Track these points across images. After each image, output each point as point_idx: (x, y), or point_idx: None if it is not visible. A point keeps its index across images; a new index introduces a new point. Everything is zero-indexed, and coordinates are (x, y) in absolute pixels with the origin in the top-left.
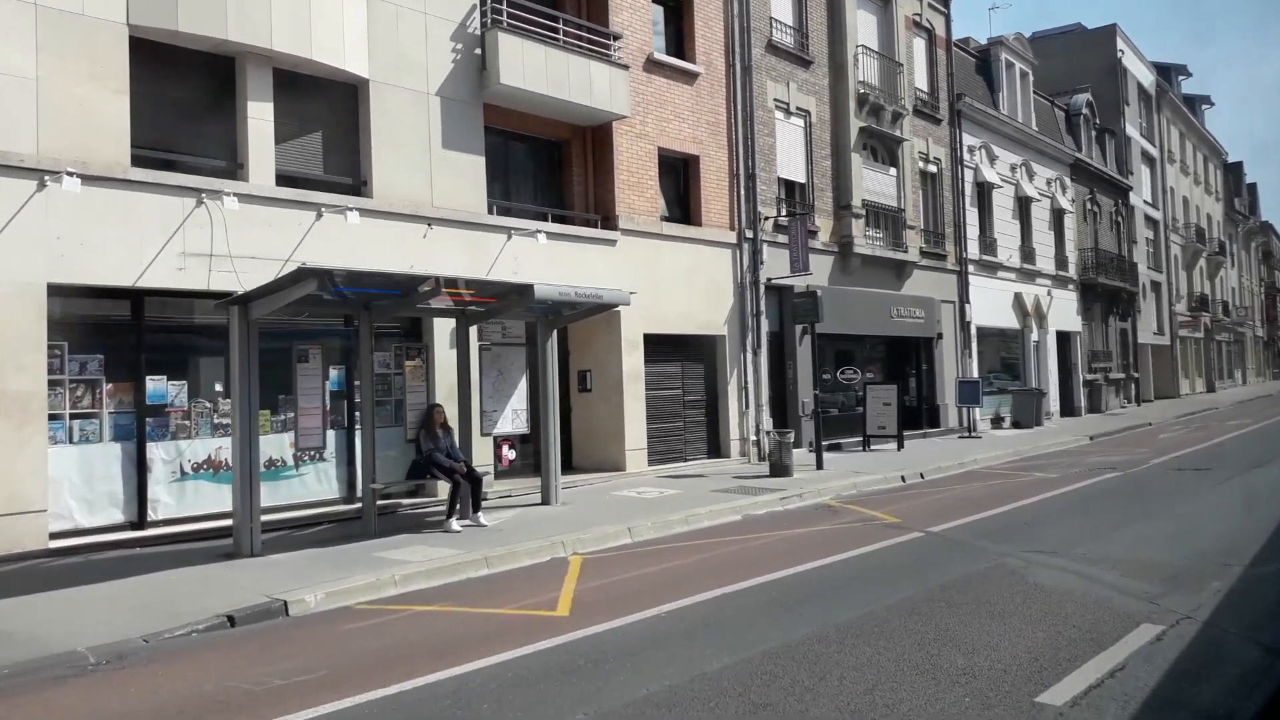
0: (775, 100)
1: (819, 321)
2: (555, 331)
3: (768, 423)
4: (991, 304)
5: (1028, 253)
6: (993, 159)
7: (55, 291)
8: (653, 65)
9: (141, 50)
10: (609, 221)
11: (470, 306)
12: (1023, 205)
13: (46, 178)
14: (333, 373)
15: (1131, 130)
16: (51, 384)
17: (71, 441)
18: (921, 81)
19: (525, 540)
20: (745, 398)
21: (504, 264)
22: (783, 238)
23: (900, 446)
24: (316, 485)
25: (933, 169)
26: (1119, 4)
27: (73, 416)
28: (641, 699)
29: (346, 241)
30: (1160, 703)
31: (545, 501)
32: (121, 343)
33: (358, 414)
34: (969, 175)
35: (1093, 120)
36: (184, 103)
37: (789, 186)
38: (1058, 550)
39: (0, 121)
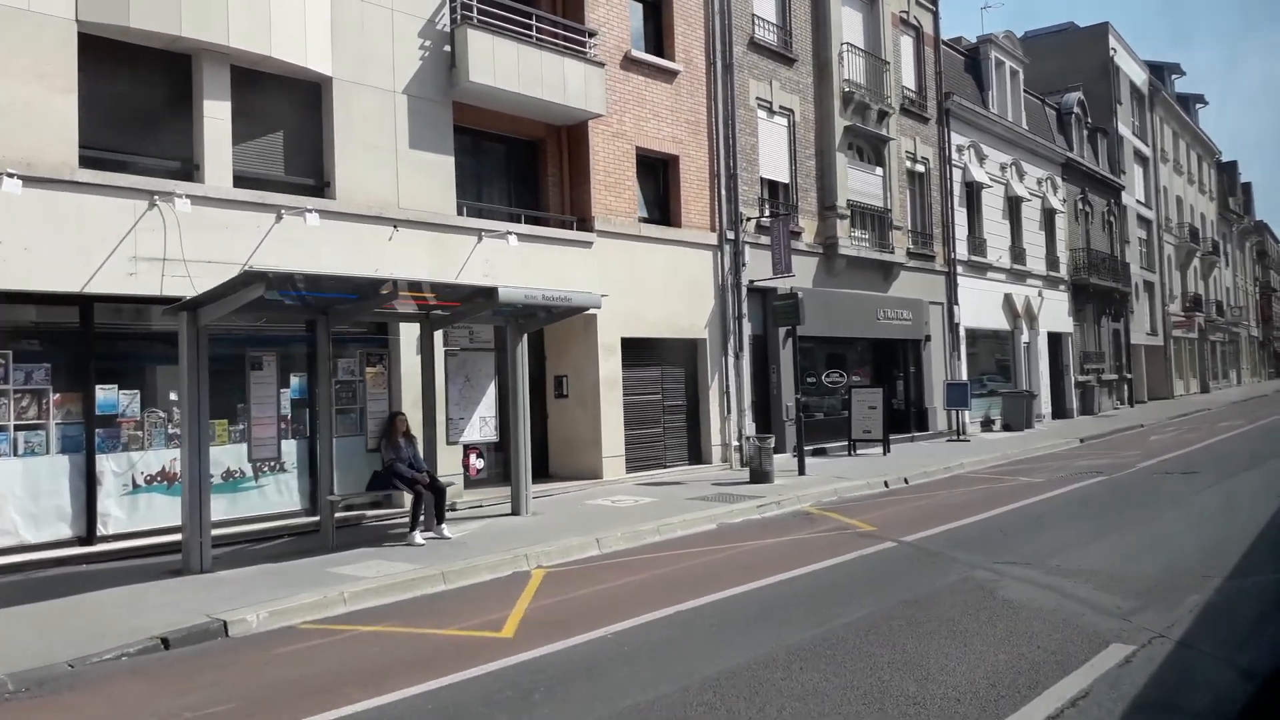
0: (758, 99)
1: (800, 324)
2: (526, 336)
3: (750, 428)
4: (981, 305)
5: (1018, 253)
6: (982, 158)
7: None
8: (630, 63)
9: (91, 48)
10: (585, 223)
11: (435, 310)
12: (1013, 205)
13: None
14: (294, 380)
15: (1124, 129)
16: None
17: (16, 454)
18: (909, 80)
19: (487, 553)
20: (727, 402)
21: (474, 267)
22: (765, 239)
23: (886, 451)
24: (277, 497)
25: (920, 169)
26: (1113, 4)
27: (17, 428)
28: None
29: (308, 244)
30: None
31: (515, 512)
32: (70, 351)
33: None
34: (958, 175)
35: (1084, 119)
36: (136, 102)
37: (772, 187)
38: (1031, 562)
39: None
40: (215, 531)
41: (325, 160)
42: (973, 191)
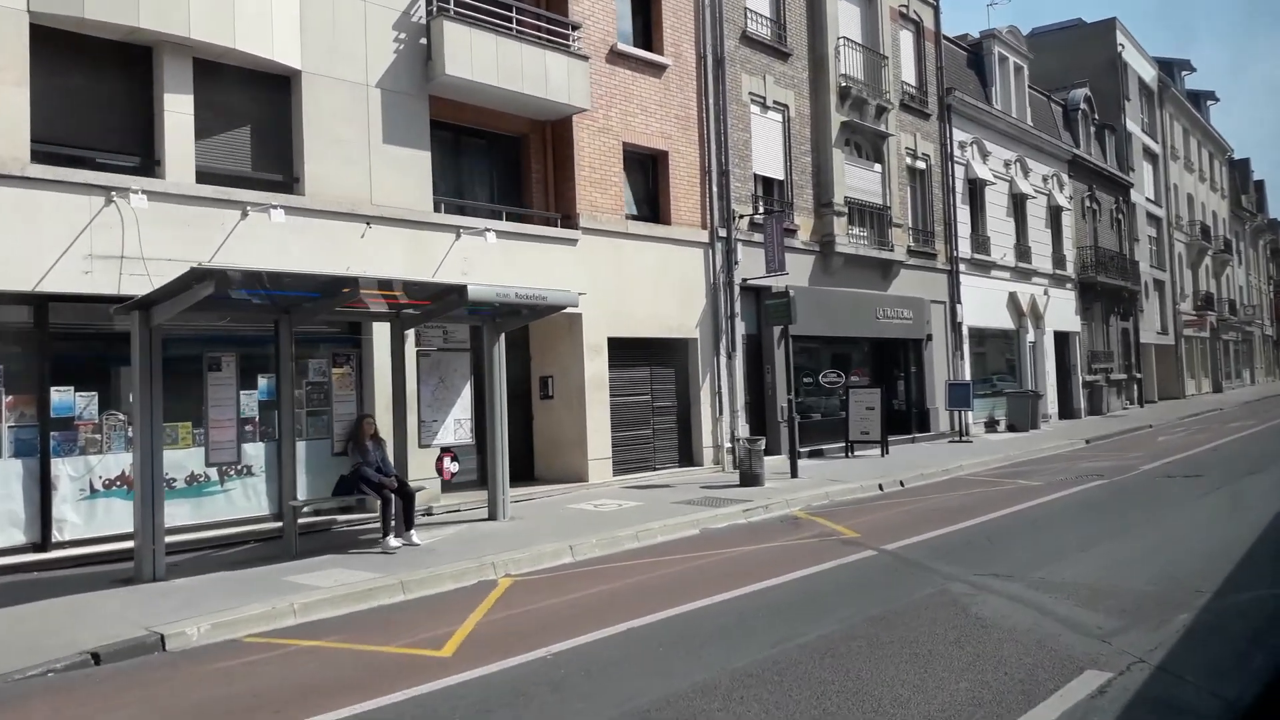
0: (751, 94)
1: (792, 323)
2: (507, 336)
3: (743, 429)
4: (984, 304)
5: (1023, 251)
6: (985, 155)
7: None
8: (616, 57)
9: (45, 40)
10: (570, 220)
11: (405, 310)
12: (1017, 202)
13: None
14: (262, 382)
15: (1132, 126)
16: None
17: None
18: (909, 75)
19: (455, 561)
20: (719, 403)
21: (452, 265)
22: (758, 237)
23: (884, 452)
24: (244, 502)
25: (921, 165)
26: (1123, 1)
27: None
28: None
29: (276, 242)
30: None
31: (493, 516)
32: (22, 351)
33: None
34: (960, 172)
35: (1091, 116)
36: (93, 95)
37: (766, 184)
38: (1014, 574)
39: None
40: (178, 538)
41: (294, 156)
42: (976, 188)
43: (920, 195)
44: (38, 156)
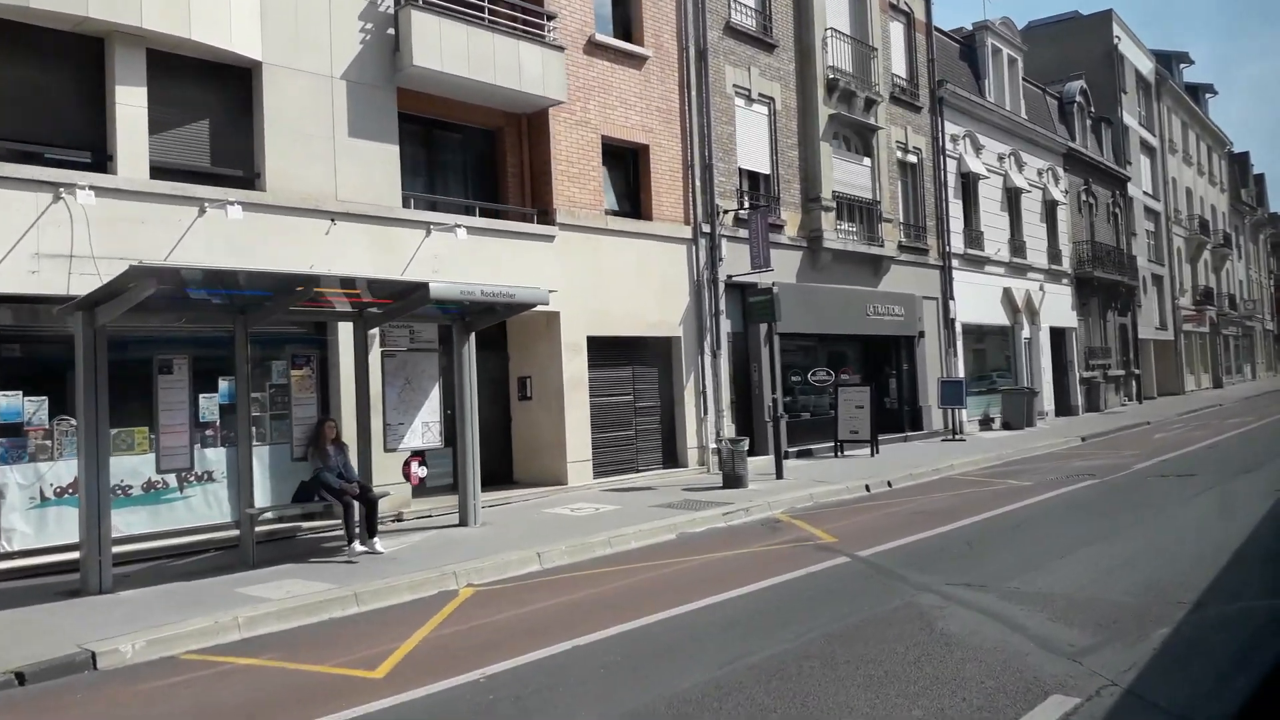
0: (735, 86)
1: (776, 321)
2: (479, 335)
3: (729, 429)
4: (978, 300)
5: (1018, 246)
6: (978, 148)
7: None
8: (595, 48)
9: None
10: (547, 216)
11: (369, 309)
12: (1012, 196)
13: None
14: (223, 384)
15: (1129, 119)
16: None
17: None
18: (900, 67)
19: (416, 570)
20: (703, 403)
21: (422, 262)
22: (743, 232)
23: (875, 452)
24: (204, 509)
25: (912, 159)
26: None
27: None
28: None
29: (235, 239)
30: None
31: (463, 522)
32: None
33: (251, 429)
34: (952, 165)
35: (1087, 109)
36: (42, 89)
37: (752, 178)
38: (988, 583)
39: None
40: (135, 547)
41: (255, 150)
42: (969, 182)
43: (911, 189)
44: None
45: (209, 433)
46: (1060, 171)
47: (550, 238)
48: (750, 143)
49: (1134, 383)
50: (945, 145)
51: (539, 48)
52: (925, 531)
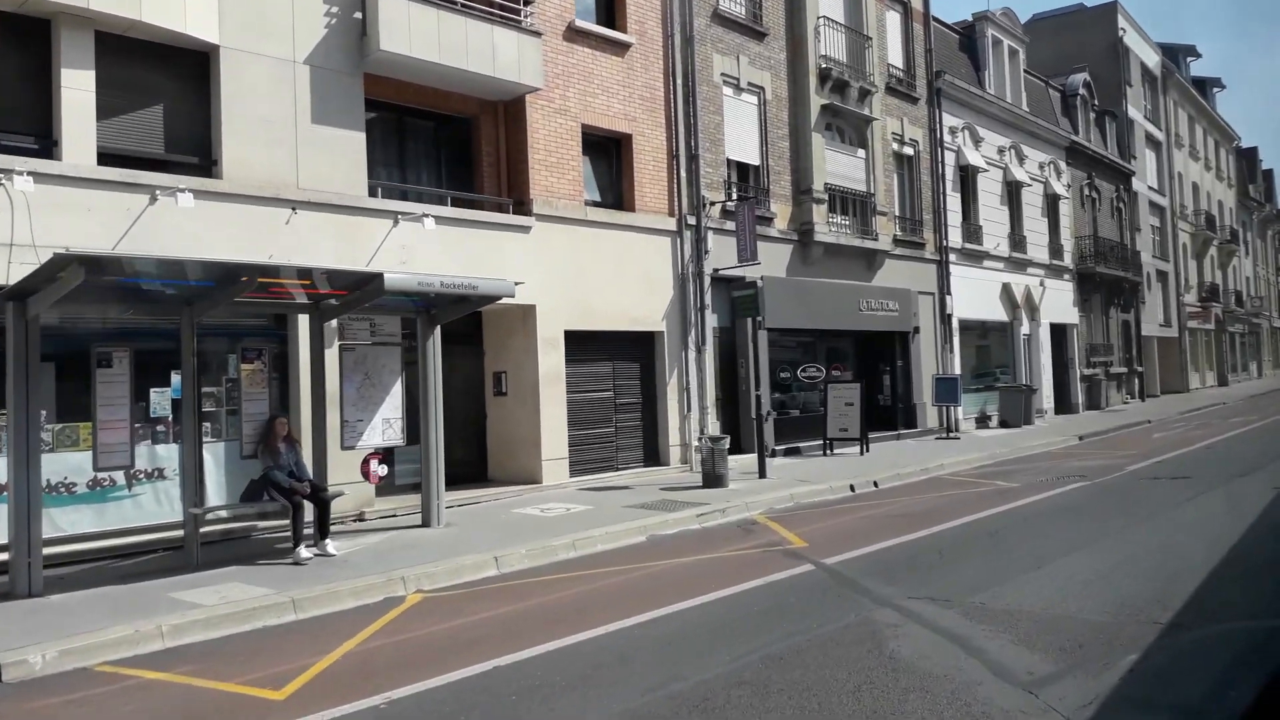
0: (723, 75)
1: (760, 316)
2: (452, 329)
3: (713, 427)
4: (976, 295)
5: (1018, 240)
6: (978, 141)
7: None
8: (575, 34)
9: None
10: (523, 206)
11: (325, 300)
12: (1012, 190)
13: None
14: (175, 379)
15: (1135, 113)
16: None
17: None
18: (896, 58)
19: (363, 575)
20: (687, 400)
21: (389, 253)
22: (731, 225)
23: (864, 450)
24: (155, 507)
25: (909, 151)
26: None
27: None
28: None
29: (188, 228)
30: None
31: (426, 523)
32: None
33: (206, 425)
34: (950, 158)
35: (1091, 101)
36: None
37: (741, 169)
38: (953, 597)
39: None
40: (78, 547)
41: (212, 137)
42: (967, 175)
43: (908, 182)
44: None
45: (160, 428)
46: (1063, 165)
47: (526, 229)
48: (739, 133)
49: (1136, 380)
50: (943, 137)
51: (514, 33)
52: (899, 537)
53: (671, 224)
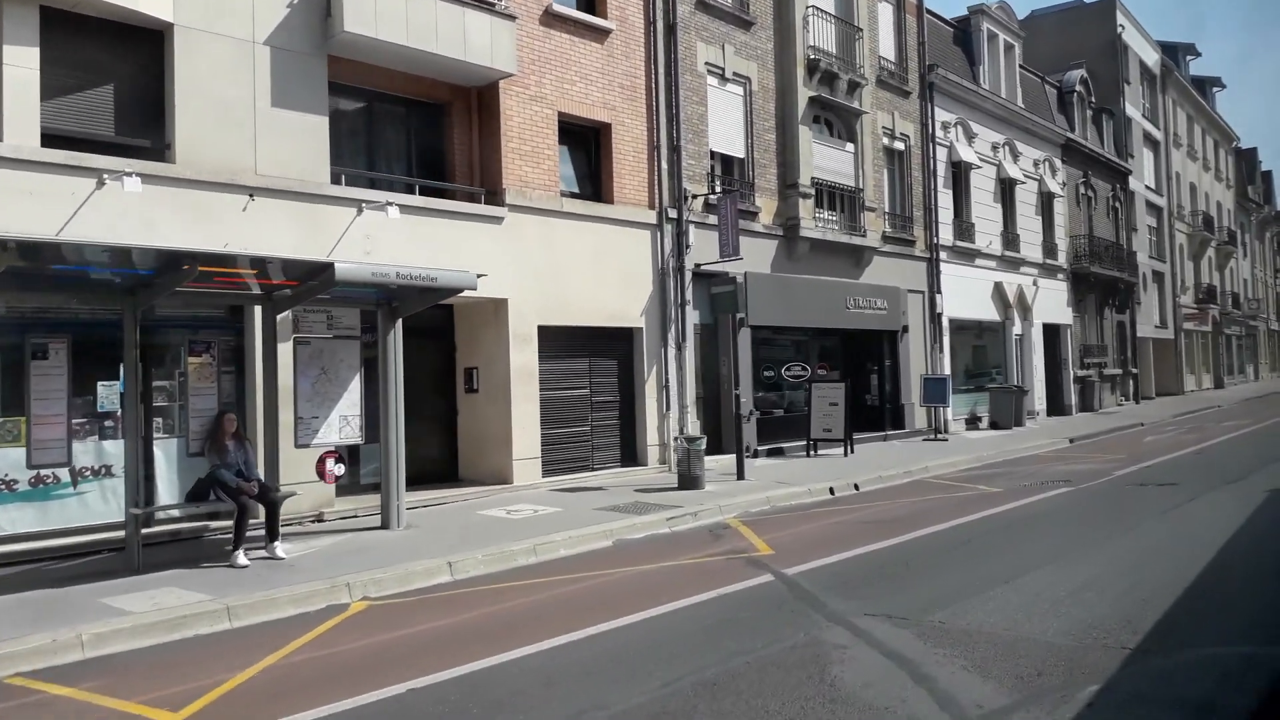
0: (708, 64)
1: (740, 312)
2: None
3: (693, 426)
4: (968, 294)
5: (1011, 239)
6: (971, 137)
7: None
8: (552, 18)
9: None
10: (496, 196)
11: (278, 291)
12: (1005, 187)
13: None
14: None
15: (1133, 111)
16: None
17: None
18: (888, 50)
19: (309, 581)
20: (666, 398)
21: (352, 242)
22: (714, 218)
23: (849, 451)
24: (102, 507)
25: (899, 146)
26: None
27: None
28: None
29: (139, 214)
30: None
31: (385, 525)
32: None
33: (157, 420)
34: (942, 154)
35: (1088, 99)
36: None
37: (726, 162)
38: (912, 615)
39: None
40: (18, 547)
41: (166, 119)
42: (960, 172)
43: (898, 178)
44: None
45: (109, 423)
46: (1058, 163)
47: (499, 219)
48: (723, 124)
49: (1131, 382)
50: (935, 133)
51: (487, 16)
52: (869, 545)
53: (652, 217)
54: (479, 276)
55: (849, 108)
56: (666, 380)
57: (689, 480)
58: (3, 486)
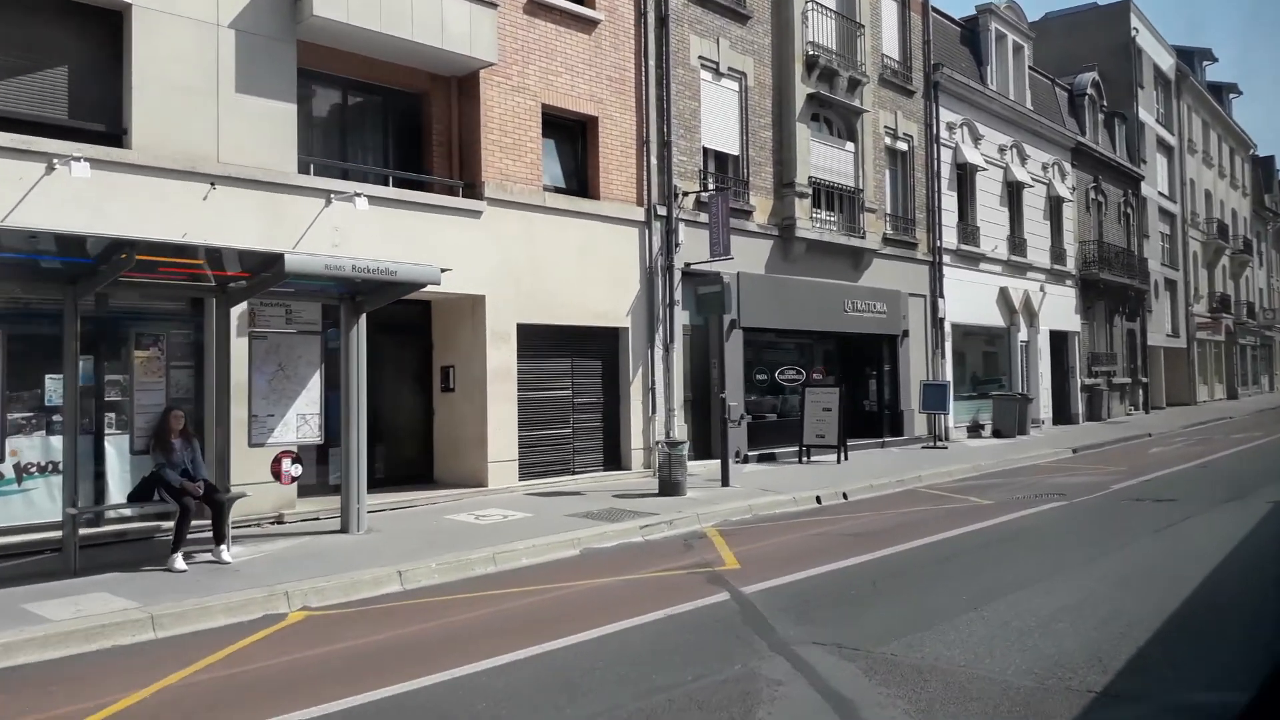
0: (701, 58)
1: (726, 314)
2: (364, 317)
3: (680, 429)
4: (972, 299)
5: (1018, 243)
6: (977, 138)
7: None
8: (537, 7)
9: None
10: (474, 189)
11: (232, 283)
12: (1013, 191)
13: None
14: (81, 365)
15: (1146, 115)
16: None
17: None
18: (892, 49)
19: (248, 589)
20: (652, 401)
21: (319, 234)
22: (705, 216)
23: (843, 458)
24: (49, 504)
25: (902, 146)
26: None
27: None
28: None
29: (91, 202)
30: None
31: (344, 529)
32: None
33: (110, 416)
34: (947, 155)
35: (1100, 102)
36: None
37: (719, 159)
38: (864, 644)
39: None
40: None
41: (123, 103)
42: (965, 174)
43: (901, 179)
44: None
45: (56, 418)
46: (1067, 167)
47: (477, 213)
48: (717, 120)
49: (1141, 391)
50: (940, 133)
51: (466, 3)
52: (842, 560)
53: (640, 214)
54: (443, 271)
55: (849, 106)
56: (653, 382)
57: (670, 486)
58: None
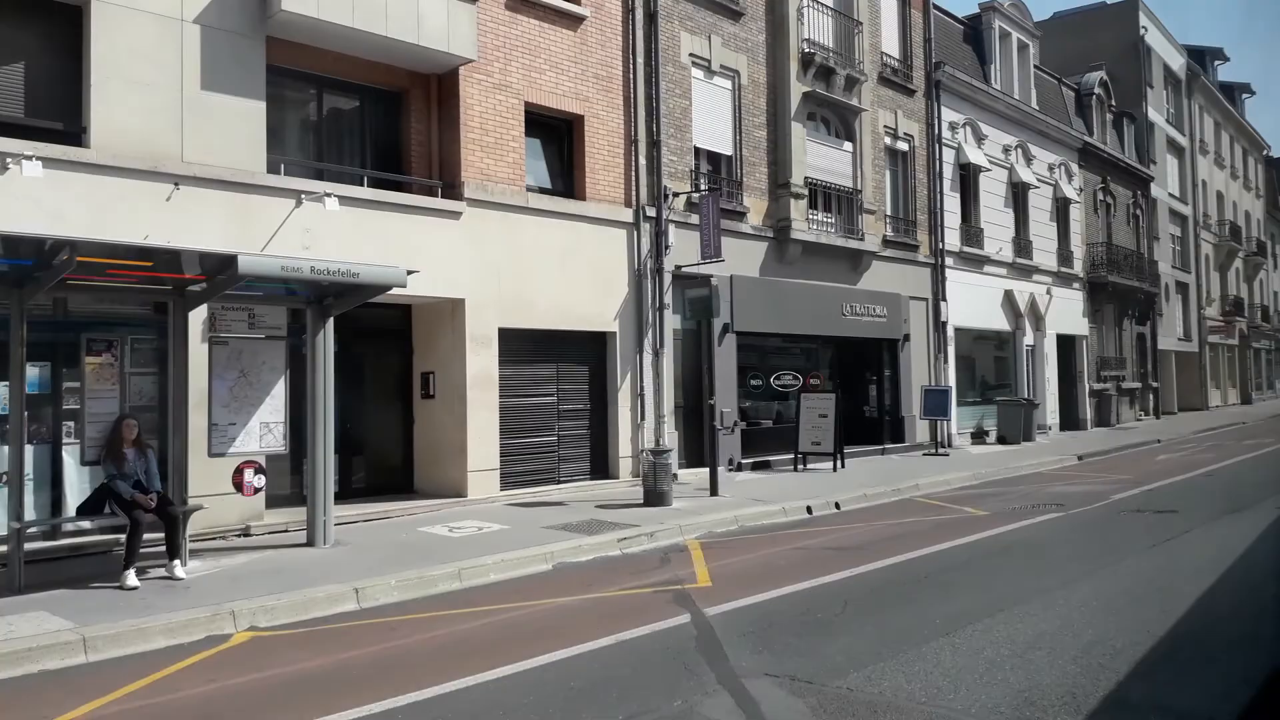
0: (692, 56)
1: (715, 319)
2: (331, 321)
3: (670, 437)
4: (975, 302)
5: (1023, 246)
6: (980, 138)
7: None
8: (519, 3)
9: None
10: (454, 190)
11: (190, 286)
12: (1018, 192)
13: None
14: (32, 371)
15: (1155, 116)
16: None
17: None
18: (891, 46)
19: (190, 608)
20: (641, 407)
21: (289, 236)
22: (696, 218)
23: (839, 465)
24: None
25: (903, 146)
26: None
27: None
28: None
29: (47, 203)
30: None
31: (311, 542)
32: None
33: (68, 425)
34: (950, 155)
35: (1108, 102)
36: None
37: (712, 159)
38: (819, 676)
39: None
40: None
41: (82, 101)
42: (968, 175)
43: (901, 180)
44: None
45: (7, 427)
46: (1074, 168)
47: (456, 214)
48: (709, 119)
49: (1151, 396)
50: (942, 133)
51: None
52: (819, 577)
53: (628, 215)
54: (410, 273)
55: (847, 105)
56: (642, 388)
57: (655, 496)
58: None
